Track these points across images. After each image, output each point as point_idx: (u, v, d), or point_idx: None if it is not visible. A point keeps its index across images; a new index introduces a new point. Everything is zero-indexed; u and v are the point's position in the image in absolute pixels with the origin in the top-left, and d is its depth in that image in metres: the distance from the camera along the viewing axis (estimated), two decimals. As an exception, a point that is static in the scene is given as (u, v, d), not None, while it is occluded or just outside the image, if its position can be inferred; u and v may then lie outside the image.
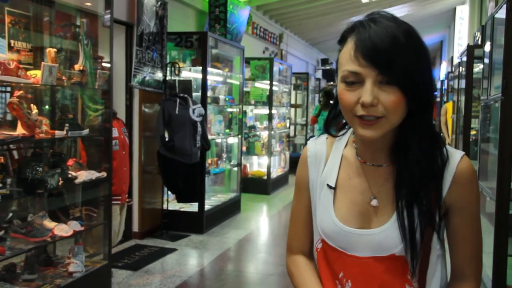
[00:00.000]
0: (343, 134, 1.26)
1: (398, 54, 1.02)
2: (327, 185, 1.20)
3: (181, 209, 6.23)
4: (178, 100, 5.45)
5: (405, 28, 1.05)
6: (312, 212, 1.26)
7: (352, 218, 1.16)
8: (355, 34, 1.07)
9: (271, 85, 9.09)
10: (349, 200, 1.18)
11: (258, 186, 8.82)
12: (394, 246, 1.12)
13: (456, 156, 1.14)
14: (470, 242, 1.20)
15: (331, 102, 7.80)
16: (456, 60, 9.43)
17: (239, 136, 7.63)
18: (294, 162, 7.67)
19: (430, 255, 1.15)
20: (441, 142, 1.16)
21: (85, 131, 3.90)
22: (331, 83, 14.38)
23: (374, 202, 1.15)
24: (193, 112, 5.51)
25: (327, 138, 1.28)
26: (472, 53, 6.39)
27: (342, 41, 1.11)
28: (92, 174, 3.92)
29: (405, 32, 1.05)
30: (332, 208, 1.18)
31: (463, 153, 1.16)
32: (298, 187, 1.30)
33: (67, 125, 3.70)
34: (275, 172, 9.51)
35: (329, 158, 1.23)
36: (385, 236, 1.13)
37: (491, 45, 4.36)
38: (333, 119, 1.24)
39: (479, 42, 6.50)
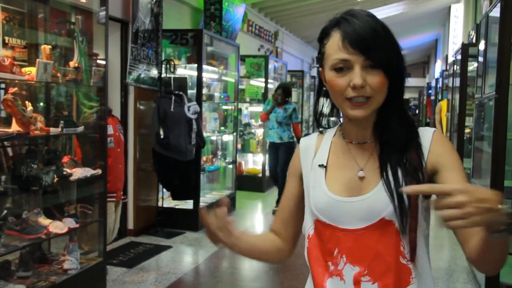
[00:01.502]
0: (331, 128, 1.41)
1: (380, 42, 1.19)
2: (319, 165, 1.33)
3: (176, 207, 6.23)
4: (173, 98, 5.44)
5: (380, 22, 1.22)
6: (305, 200, 1.36)
7: (343, 190, 1.27)
8: (340, 28, 1.21)
9: (266, 82, 9.09)
10: (339, 176, 1.30)
11: (253, 183, 8.82)
12: (383, 209, 1.21)
13: (430, 129, 1.30)
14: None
15: (288, 99, 7.31)
16: (450, 59, 9.46)
17: (234, 133, 7.63)
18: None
19: (418, 215, 1.22)
20: (412, 119, 1.32)
21: (80, 128, 3.89)
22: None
23: (361, 173, 1.27)
24: (188, 110, 5.50)
25: (318, 134, 1.42)
26: (466, 51, 6.42)
27: (324, 36, 1.26)
28: (87, 171, 3.91)
29: (382, 25, 1.22)
30: (324, 183, 1.30)
31: (435, 129, 1.31)
32: (289, 176, 1.44)
33: (62, 122, 3.69)
34: (270, 170, 9.51)
35: (320, 146, 1.38)
36: (374, 199, 1.22)
37: (486, 44, 4.38)
38: (322, 113, 1.40)
39: (474, 40, 6.52)
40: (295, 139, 7.30)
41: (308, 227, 1.34)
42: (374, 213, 1.22)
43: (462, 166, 1.28)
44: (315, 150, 1.38)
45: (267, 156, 8.75)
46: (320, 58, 1.29)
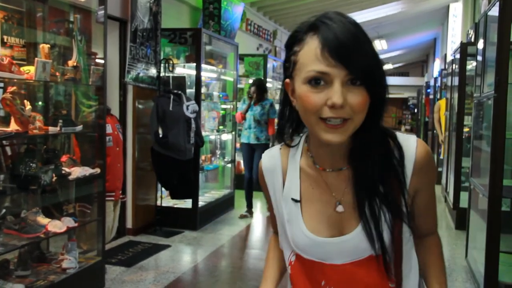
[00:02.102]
0: (296, 144, 1.23)
1: (362, 53, 1.02)
2: (292, 199, 1.18)
3: (175, 206, 6.23)
4: (172, 97, 5.44)
5: (361, 28, 1.05)
6: (278, 226, 1.26)
7: (323, 228, 1.15)
8: (318, 33, 1.03)
9: (265, 81, 9.08)
10: (316, 211, 1.16)
11: (252, 182, 8.82)
12: (370, 247, 1.11)
13: (411, 142, 1.14)
14: (432, 207, 1.25)
15: (264, 96, 6.88)
16: (449, 58, 9.46)
17: (233, 132, 7.63)
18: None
19: (403, 246, 1.15)
20: (393, 135, 1.15)
21: (79, 127, 3.89)
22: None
23: (339, 208, 1.14)
24: (187, 109, 5.50)
25: (280, 148, 1.24)
26: (465, 50, 6.42)
27: (295, 42, 1.08)
28: (86, 171, 3.91)
29: (362, 30, 1.04)
30: (302, 221, 1.16)
31: (415, 137, 1.16)
32: (264, 190, 1.32)
33: (60, 121, 3.69)
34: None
35: (288, 171, 1.20)
36: (359, 240, 1.11)
37: (484, 43, 4.38)
38: (287, 126, 1.21)
39: (472, 39, 6.52)
40: (269, 141, 6.89)
41: (289, 254, 1.23)
42: (361, 251, 1.13)
43: (435, 180, 1.23)
44: (281, 172, 1.22)
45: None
46: (289, 68, 1.09)
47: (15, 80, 3.36)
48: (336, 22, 1.02)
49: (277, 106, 9.09)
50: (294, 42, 1.08)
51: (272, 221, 1.35)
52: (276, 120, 6.95)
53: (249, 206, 7.04)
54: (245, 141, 6.90)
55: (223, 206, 6.99)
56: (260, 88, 6.91)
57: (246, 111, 6.86)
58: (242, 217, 6.87)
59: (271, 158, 1.24)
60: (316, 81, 1.02)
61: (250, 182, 6.92)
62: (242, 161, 7.41)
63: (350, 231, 1.12)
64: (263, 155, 1.27)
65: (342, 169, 1.15)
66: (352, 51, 1.00)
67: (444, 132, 8.58)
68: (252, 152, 6.88)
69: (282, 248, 1.29)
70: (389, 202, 1.10)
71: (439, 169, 9.19)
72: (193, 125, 5.56)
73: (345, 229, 1.13)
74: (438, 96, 10.99)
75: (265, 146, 6.71)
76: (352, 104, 1.01)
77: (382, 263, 1.12)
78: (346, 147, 1.13)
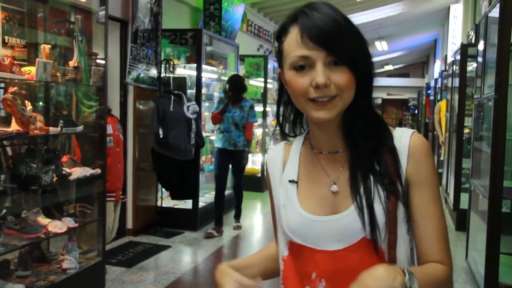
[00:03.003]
0: (299, 136, 1.28)
1: (342, 35, 1.06)
2: (289, 180, 1.21)
3: (175, 206, 6.24)
4: (172, 97, 5.44)
5: (341, 13, 1.10)
6: (276, 217, 1.26)
7: (317, 207, 1.15)
8: (298, 22, 1.09)
9: (265, 82, 9.09)
10: (311, 191, 1.18)
11: (252, 183, 8.81)
12: (363, 228, 1.09)
13: (407, 131, 1.16)
14: (434, 219, 1.14)
15: (244, 96, 6.08)
16: (449, 59, 9.46)
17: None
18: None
19: (397, 229, 1.11)
20: (383, 119, 1.18)
21: (80, 128, 3.89)
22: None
23: (333, 188, 1.15)
24: (188, 109, 5.51)
25: (285, 143, 1.29)
26: (465, 51, 6.42)
27: (282, 34, 1.13)
28: (86, 171, 3.92)
29: (343, 16, 1.09)
30: (297, 201, 1.18)
31: (412, 130, 1.17)
32: (268, 186, 1.32)
33: (61, 121, 3.69)
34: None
35: (288, 159, 1.25)
36: (352, 219, 1.10)
37: (485, 44, 4.38)
38: (286, 116, 1.25)
39: (473, 40, 6.52)
40: (247, 148, 6.10)
41: (282, 248, 1.23)
42: (353, 233, 1.10)
43: (437, 181, 1.17)
44: (282, 162, 1.26)
45: (265, 155, 8.18)
46: (279, 58, 1.16)
47: (16, 81, 3.36)
48: (316, 10, 1.08)
49: (258, 108, 9.06)
50: (280, 33, 1.14)
51: (274, 228, 1.32)
52: (255, 124, 6.47)
53: (218, 222, 6.05)
54: (221, 146, 6.00)
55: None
56: (236, 86, 6.00)
57: (224, 111, 5.96)
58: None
59: (274, 151, 1.30)
60: (300, 66, 1.07)
61: (222, 194, 6.09)
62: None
63: (344, 209, 1.12)
64: (269, 150, 1.30)
65: (338, 152, 1.18)
66: (331, 33, 1.05)
67: (444, 133, 8.58)
68: (228, 159, 6.05)
69: (278, 245, 1.26)
70: (383, 179, 1.10)
71: (440, 170, 9.18)
72: (194, 126, 5.57)
73: (339, 208, 1.13)
74: (439, 97, 10.99)
75: (243, 153, 6.03)
76: (337, 82, 1.06)
77: (375, 247, 1.09)
78: (340, 129, 1.16)
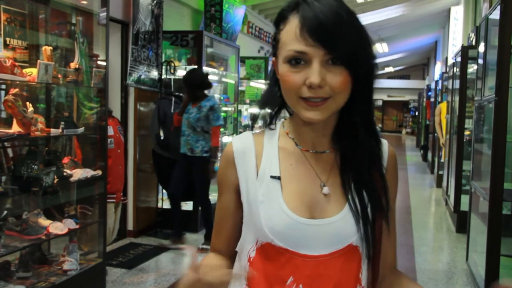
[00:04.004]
0: (273, 130, 1.18)
1: (343, 32, 0.99)
2: (271, 176, 1.09)
3: (176, 208, 6.22)
4: (173, 99, 5.45)
5: (345, 6, 1.02)
6: (244, 216, 1.14)
7: (304, 209, 1.07)
8: (298, 12, 1.01)
9: (266, 84, 9.09)
10: (298, 190, 1.09)
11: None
12: (353, 234, 1.07)
13: (383, 141, 1.16)
14: (395, 231, 1.19)
15: (206, 93, 5.29)
16: (450, 61, 9.47)
17: (234, 135, 7.63)
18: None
19: (381, 242, 1.13)
20: (377, 129, 1.14)
21: (81, 129, 3.89)
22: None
23: (325, 190, 1.08)
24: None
25: (252, 134, 1.18)
26: (466, 53, 6.42)
27: (281, 20, 1.06)
28: (87, 172, 3.92)
29: (347, 10, 1.02)
30: (282, 200, 1.07)
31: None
32: (222, 187, 1.19)
33: (62, 123, 3.69)
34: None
35: (263, 152, 1.13)
36: (344, 223, 1.06)
37: (485, 46, 4.39)
38: (270, 107, 1.18)
39: (473, 43, 6.53)
40: (209, 154, 5.26)
41: (249, 248, 1.12)
42: (342, 238, 1.06)
43: (396, 194, 1.20)
44: (255, 155, 1.13)
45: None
46: (275, 46, 1.08)
47: (18, 82, 3.37)
48: (319, 1, 1.01)
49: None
50: (279, 20, 1.07)
51: (216, 235, 1.23)
52: (221, 129, 5.59)
53: (178, 233, 5.57)
54: (181, 150, 5.30)
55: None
56: (188, 83, 5.22)
57: (182, 112, 5.28)
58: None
59: (243, 141, 1.16)
60: (296, 60, 1.01)
61: (174, 201, 5.52)
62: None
63: (335, 213, 1.07)
64: (233, 138, 1.19)
65: (325, 152, 1.12)
66: (332, 30, 0.98)
67: (445, 135, 8.58)
68: (188, 166, 5.33)
69: (241, 246, 1.16)
70: (372, 190, 1.09)
71: (440, 172, 9.19)
72: (194, 128, 5.56)
73: (329, 212, 1.07)
74: (439, 99, 11.00)
75: (202, 161, 5.25)
76: (331, 84, 1.00)
77: (360, 259, 1.09)
78: (330, 129, 1.11)
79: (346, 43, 0.99)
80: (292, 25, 1.02)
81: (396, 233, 1.20)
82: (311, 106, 1.01)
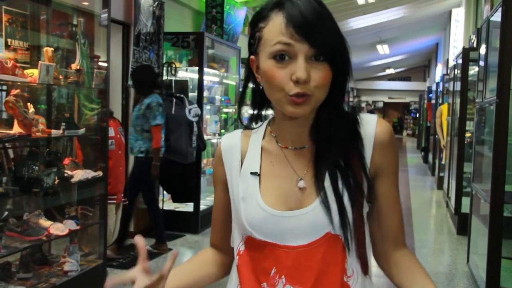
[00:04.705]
0: (258, 127, 1.23)
1: (326, 29, 1.04)
2: (251, 173, 1.14)
3: (177, 209, 6.23)
4: (174, 100, 5.45)
5: (324, 6, 1.07)
6: (232, 212, 1.19)
7: (281, 203, 1.11)
8: (283, 10, 1.04)
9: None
10: (275, 186, 1.13)
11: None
12: (327, 224, 1.08)
13: (371, 118, 1.15)
14: (397, 206, 1.18)
15: (146, 90, 4.96)
16: (451, 63, 9.46)
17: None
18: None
19: (365, 228, 1.14)
20: (351, 113, 1.16)
21: (82, 130, 3.90)
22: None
23: (301, 184, 1.11)
24: (189, 112, 5.51)
25: (242, 132, 1.23)
26: (467, 55, 6.42)
27: (261, 19, 1.08)
28: (88, 173, 3.92)
29: (326, 10, 1.07)
30: (259, 195, 1.12)
31: (376, 116, 1.18)
32: (214, 184, 1.26)
33: (63, 124, 3.70)
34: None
35: (248, 150, 1.18)
36: (317, 213, 1.08)
37: (486, 48, 4.39)
38: (252, 106, 1.22)
39: (475, 44, 6.53)
40: (146, 155, 4.94)
41: (238, 243, 1.17)
42: (318, 228, 1.08)
43: (398, 166, 1.19)
44: (241, 152, 1.19)
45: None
46: (254, 44, 1.10)
47: (19, 83, 3.37)
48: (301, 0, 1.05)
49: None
50: (259, 19, 1.09)
51: (212, 230, 1.31)
52: (159, 128, 4.94)
53: (161, 238, 5.27)
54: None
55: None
56: (135, 79, 5.07)
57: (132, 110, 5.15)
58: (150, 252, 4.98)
59: (231, 138, 1.22)
60: (281, 56, 1.04)
61: (130, 205, 5.15)
62: None
63: (308, 204, 1.09)
64: (224, 137, 1.23)
65: (305, 147, 1.15)
66: (316, 27, 1.02)
67: (446, 137, 8.58)
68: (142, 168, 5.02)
69: (232, 241, 1.21)
70: (349, 177, 1.09)
71: (441, 174, 9.18)
72: (195, 129, 5.57)
73: (304, 204, 1.10)
74: (440, 101, 11.00)
75: (138, 161, 5.03)
76: (316, 79, 1.03)
77: (343, 249, 1.09)
78: (308, 124, 1.14)
79: (329, 38, 1.04)
80: (276, 21, 1.04)
81: (400, 208, 1.19)
82: (295, 103, 1.04)
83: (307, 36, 1.02)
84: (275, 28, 1.04)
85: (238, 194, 1.15)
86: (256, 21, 1.10)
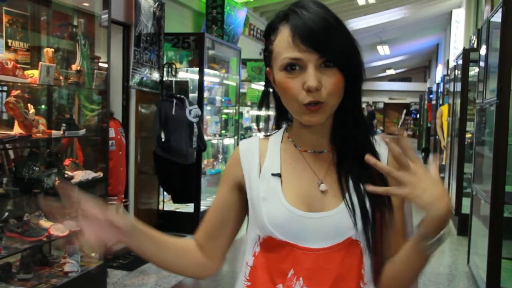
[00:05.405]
0: (275, 133, 1.26)
1: (333, 36, 1.05)
2: (272, 174, 1.16)
3: (177, 210, 6.23)
4: (174, 101, 5.45)
5: (331, 13, 1.08)
6: (249, 214, 1.21)
7: (302, 203, 1.12)
8: (288, 22, 1.07)
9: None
10: (296, 186, 1.14)
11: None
12: (350, 228, 1.09)
13: (384, 142, 1.17)
14: (406, 219, 1.20)
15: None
16: (452, 63, 9.47)
17: (235, 137, 7.63)
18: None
19: (383, 237, 1.15)
20: (369, 125, 1.18)
21: (82, 131, 3.90)
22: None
23: (322, 187, 1.13)
24: (190, 113, 5.51)
25: (259, 138, 1.27)
26: (467, 56, 6.42)
27: (271, 32, 1.12)
28: (89, 174, 3.92)
29: (334, 16, 1.08)
30: (282, 194, 1.13)
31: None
32: (223, 184, 1.26)
33: (64, 125, 3.70)
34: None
35: (267, 152, 1.20)
36: (341, 217, 1.09)
37: (487, 49, 4.39)
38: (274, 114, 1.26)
39: (475, 45, 6.52)
40: None
41: (253, 245, 1.19)
42: (342, 231, 1.09)
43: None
44: (259, 155, 1.20)
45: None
46: (268, 57, 1.14)
47: (19, 84, 3.37)
48: (306, 9, 1.06)
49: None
50: (270, 32, 1.12)
51: (200, 227, 1.32)
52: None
53: None
54: None
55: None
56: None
57: None
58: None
59: (249, 143, 1.25)
60: (291, 67, 1.06)
61: None
62: None
63: (332, 208, 1.11)
64: (241, 142, 1.27)
65: (323, 152, 1.17)
66: (322, 35, 1.04)
67: (446, 138, 8.57)
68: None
69: (245, 244, 1.23)
70: (370, 182, 1.10)
71: (441, 175, 9.17)
72: (196, 130, 5.58)
73: (326, 207, 1.11)
74: (441, 102, 11.00)
75: None
76: (327, 86, 1.05)
77: (361, 254, 1.11)
78: (327, 130, 1.16)
79: (336, 45, 1.05)
80: (284, 34, 1.07)
81: (406, 227, 1.19)
82: (311, 111, 1.07)
83: (314, 46, 1.04)
84: (283, 42, 1.07)
85: (258, 195, 1.15)
86: (268, 34, 1.13)
